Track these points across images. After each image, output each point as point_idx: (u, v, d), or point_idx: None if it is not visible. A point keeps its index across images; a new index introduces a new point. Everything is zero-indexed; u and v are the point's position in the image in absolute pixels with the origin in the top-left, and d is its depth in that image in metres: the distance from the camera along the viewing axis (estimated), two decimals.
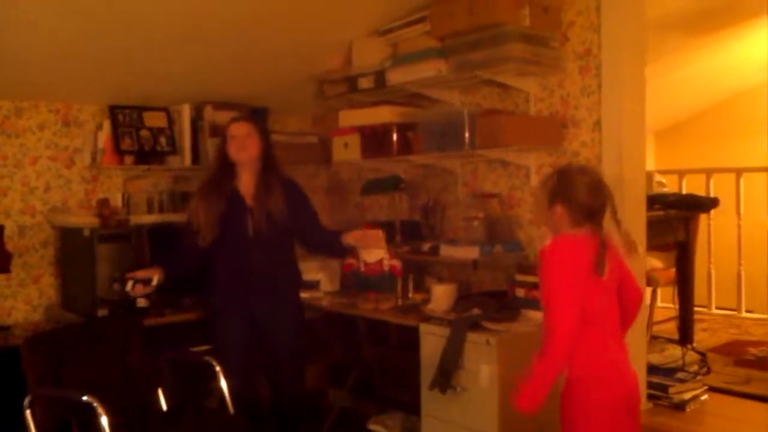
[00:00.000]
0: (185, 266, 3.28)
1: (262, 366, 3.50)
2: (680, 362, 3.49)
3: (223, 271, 3.27)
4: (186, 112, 3.97)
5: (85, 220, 3.56)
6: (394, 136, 3.76)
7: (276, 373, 3.46)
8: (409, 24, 3.63)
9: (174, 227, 3.76)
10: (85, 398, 2.58)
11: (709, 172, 5.60)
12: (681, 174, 5.75)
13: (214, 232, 3.19)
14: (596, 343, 2.22)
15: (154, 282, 3.15)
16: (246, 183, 3.28)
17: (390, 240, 3.70)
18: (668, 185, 5.13)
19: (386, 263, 3.46)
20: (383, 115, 3.82)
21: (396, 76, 3.72)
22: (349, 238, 3.32)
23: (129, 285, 3.14)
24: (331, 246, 3.42)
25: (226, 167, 3.27)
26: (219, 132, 4.03)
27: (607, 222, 2.30)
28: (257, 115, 4.04)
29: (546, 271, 2.22)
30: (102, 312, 3.43)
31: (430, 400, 3.03)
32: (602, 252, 2.22)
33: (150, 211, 3.97)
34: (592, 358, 2.22)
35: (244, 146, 3.24)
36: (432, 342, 3.03)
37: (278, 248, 3.29)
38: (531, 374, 2.19)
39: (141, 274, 3.16)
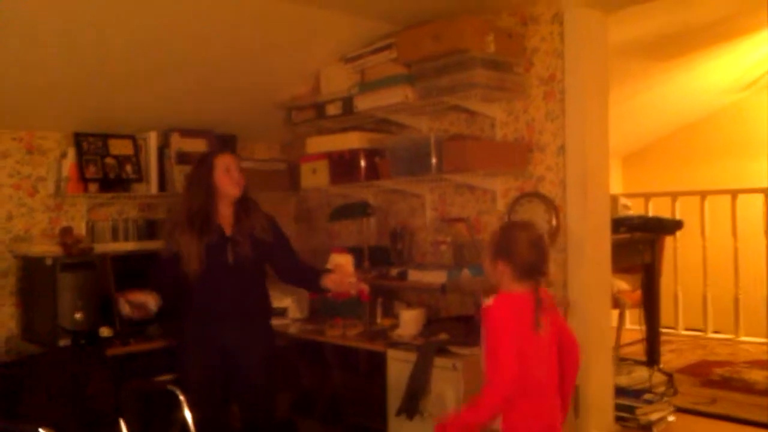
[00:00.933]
0: (174, 294, 3.20)
1: (232, 395, 3.45)
2: (647, 384, 3.52)
3: (199, 299, 3.21)
4: (153, 140, 3.93)
5: (47, 248, 3.50)
6: (362, 162, 3.78)
7: (246, 403, 3.42)
8: (376, 51, 3.66)
9: (143, 255, 3.72)
10: (40, 431, 2.52)
11: (674, 195, 5.69)
12: (647, 197, 5.83)
13: (201, 262, 3.14)
14: (531, 407, 2.26)
15: (154, 308, 3.09)
16: (224, 213, 3.25)
17: (358, 265, 3.70)
18: (634, 208, 5.20)
19: (354, 287, 3.44)
20: (351, 141, 3.83)
21: (363, 103, 3.73)
22: (328, 282, 3.25)
23: (126, 308, 3.06)
24: (308, 283, 3.38)
25: (209, 197, 3.20)
26: (186, 159, 4.02)
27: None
28: (226, 143, 4.03)
29: (490, 325, 2.27)
30: (64, 342, 3.36)
31: (397, 425, 3.01)
32: (538, 307, 2.27)
33: (115, 239, 3.93)
34: (525, 421, 2.25)
35: (240, 180, 3.22)
36: (399, 368, 3.02)
37: (254, 277, 3.26)
38: (467, 406, 2.26)
39: (134, 296, 3.07)
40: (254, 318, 3.30)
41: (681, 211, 5.61)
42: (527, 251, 2.30)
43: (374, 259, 3.86)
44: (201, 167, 3.23)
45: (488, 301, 2.31)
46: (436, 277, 3.38)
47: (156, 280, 3.23)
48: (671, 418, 3.40)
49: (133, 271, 3.68)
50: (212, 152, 3.30)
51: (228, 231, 3.21)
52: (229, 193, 3.19)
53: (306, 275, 3.35)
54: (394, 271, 3.64)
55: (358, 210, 3.94)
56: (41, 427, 2.53)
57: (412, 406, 2.89)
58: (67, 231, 3.60)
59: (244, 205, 3.24)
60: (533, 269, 2.29)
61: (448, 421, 2.24)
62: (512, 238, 2.34)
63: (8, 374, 2.87)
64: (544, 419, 2.31)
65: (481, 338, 2.32)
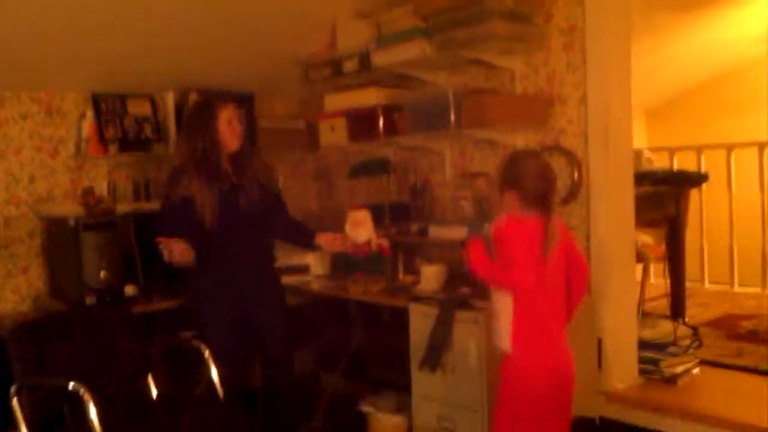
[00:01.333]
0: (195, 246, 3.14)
1: (251, 351, 3.48)
2: (672, 337, 3.48)
3: (216, 249, 3.20)
4: (170, 99, 3.93)
5: (69, 209, 3.54)
6: (381, 119, 3.75)
7: (266, 358, 3.46)
8: (392, 4, 3.60)
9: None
10: (71, 385, 2.57)
11: (699, 149, 5.58)
12: (671, 151, 5.73)
13: (215, 212, 3.12)
14: (536, 324, 2.31)
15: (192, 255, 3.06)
16: (225, 161, 3.24)
17: (379, 222, 3.68)
18: (658, 163, 5.11)
19: (374, 243, 3.44)
20: (369, 97, 3.80)
21: (381, 58, 3.69)
22: (321, 240, 3.32)
23: (166, 254, 3.01)
24: (301, 239, 3.42)
25: (215, 144, 3.16)
26: None
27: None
28: (243, 101, 4.00)
29: (505, 240, 2.30)
30: (90, 300, 3.42)
31: (420, 379, 3.03)
32: (549, 235, 2.28)
33: (136, 199, 3.95)
34: (531, 337, 2.30)
35: (240, 134, 3.20)
36: (421, 322, 3.02)
37: (263, 226, 3.28)
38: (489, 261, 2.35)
39: (175, 246, 3.01)
40: (266, 268, 3.33)
41: (707, 164, 5.50)
42: (535, 180, 2.30)
43: (395, 215, 3.85)
44: (204, 115, 3.19)
45: (499, 222, 2.34)
46: (457, 233, 3.36)
47: (169, 227, 3.12)
48: (696, 371, 3.38)
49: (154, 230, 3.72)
50: (215, 102, 3.23)
51: (234, 179, 3.21)
52: (230, 145, 3.18)
53: (299, 231, 3.38)
54: (414, 228, 3.63)
55: (378, 167, 3.92)
56: (72, 380, 2.59)
57: (434, 359, 2.91)
58: (88, 191, 3.63)
59: (243, 155, 3.24)
60: (541, 198, 2.29)
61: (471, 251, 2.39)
62: (520, 167, 2.34)
63: (36, 331, 2.92)
64: (551, 346, 2.34)
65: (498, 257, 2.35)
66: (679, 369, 3.30)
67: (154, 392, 3.16)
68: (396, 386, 3.40)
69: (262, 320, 3.29)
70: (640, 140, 6.12)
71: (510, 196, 2.32)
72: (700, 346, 3.65)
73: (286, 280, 3.75)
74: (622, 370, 3.22)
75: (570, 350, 2.42)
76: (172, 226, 3.14)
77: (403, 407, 3.18)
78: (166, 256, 3.03)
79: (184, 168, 3.18)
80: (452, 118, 3.32)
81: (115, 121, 3.77)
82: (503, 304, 2.36)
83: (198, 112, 3.25)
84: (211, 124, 3.15)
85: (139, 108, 3.89)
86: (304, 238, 3.39)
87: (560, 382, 2.36)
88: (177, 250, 3.02)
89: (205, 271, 3.21)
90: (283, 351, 3.39)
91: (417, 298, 3.16)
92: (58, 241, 3.62)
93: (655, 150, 5.46)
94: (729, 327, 4.40)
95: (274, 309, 3.29)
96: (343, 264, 3.68)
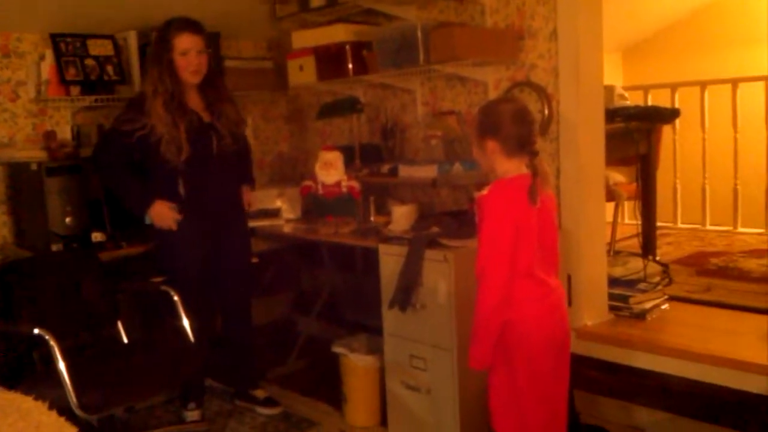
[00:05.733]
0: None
1: (217, 298, 3.46)
2: (642, 274, 3.51)
3: (187, 192, 3.14)
4: (133, 39, 3.80)
5: (31, 153, 3.46)
6: (349, 56, 3.66)
7: (225, 305, 3.44)
8: None
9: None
10: (36, 331, 2.54)
11: (674, 87, 5.55)
12: (645, 89, 5.69)
13: (181, 149, 3.00)
14: (534, 288, 2.25)
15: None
16: (194, 98, 3.13)
17: (350, 163, 3.64)
18: (633, 101, 5.08)
19: (344, 185, 3.40)
20: (337, 33, 3.71)
21: None
22: (244, 193, 3.37)
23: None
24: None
25: (174, 77, 3.01)
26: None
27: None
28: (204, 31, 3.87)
29: (486, 215, 2.22)
30: (56, 247, 3.35)
31: (391, 319, 3.02)
32: (534, 181, 2.21)
33: None
34: (527, 299, 2.24)
35: (199, 68, 3.06)
36: (391, 262, 3.00)
37: (234, 166, 3.22)
38: (472, 332, 2.25)
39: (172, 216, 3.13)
40: (236, 209, 3.32)
41: (681, 102, 5.47)
42: (512, 123, 2.23)
43: (365, 156, 3.80)
44: (160, 46, 3.04)
45: (483, 191, 2.27)
46: (427, 172, 3.33)
47: (109, 155, 3.10)
48: (665, 307, 3.41)
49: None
50: (171, 31, 3.04)
51: (205, 117, 3.12)
52: (186, 80, 3.04)
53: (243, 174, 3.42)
54: (385, 168, 3.59)
55: (347, 106, 3.84)
56: (37, 327, 2.56)
57: (404, 298, 2.89)
58: (50, 135, 3.54)
59: (214, 92, 3.11)
60: (522, 141, 2.23)
61: (469, 353, 2.27)
62: (495, 113, 2.28)
63: (1, 278, 2.87)
64: (550, 298, 2.30)
65: (477, 229, 2.28)
66: (649, 305, 3.33)
67: (125, 338, 3.15)
68: (370, 329, 3.41)
69: (228, 260, 3.27)
70: (616, 79, 6.08)
71: (491, 145, 2.24)
72: (670, 282, 3.69)
73: (257, 224, 3.72)
74: (592, 307, 3.24)
75: (564, 294, 2.40)
76: (113, 155, 3.08)
77: (376, 348, 3.18)
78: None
79: (142, 99, 3.05)
80: (421, 53, 3.24)
81: (76, 62, 3.64)
82: None
83: (156, 43, 3.12)
84: (165, 55, 3.02)
85: (100, 49, 3.75)
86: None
87: (562, 337, 2.33)
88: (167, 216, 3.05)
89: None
90: (244, 299, 3.39)
91: (387, 239, 3.13)
92: (22, 187, 3.54)
93: (628, 89, 5.41)
94: (699, 264, 4.44)
95: (240, 251, 3.27)
96: (314, 207, 3.64)
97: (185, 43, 3.02)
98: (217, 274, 3.28)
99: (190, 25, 3.08)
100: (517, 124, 2.23)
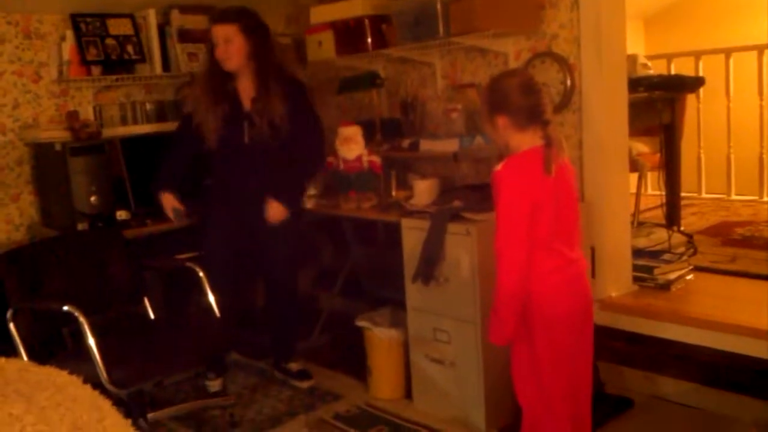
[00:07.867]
0: (184, 174, 3.28)
1: (256, 272, 3.49)
2: (666, 244, 3.48)
3: (218, 177, 3.23)
4: (152, 18, 3.82)
5: (55, 134, 3.49)
6: (368, 30, 3.64)
7: (271, 279, 3.48)
8: None
9: (153, 137, 3.71)
10: (65, 308, 2.58)
11: (697, 54, 5.46)
12: (669, 58, 5.60)
13: (217, 136, 3.13)
14: (548, 256, 2.22)
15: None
16: (245, 86, 3.18)
17: (371, 139, 3.64)
18: (656, 70, 5.01)
19: (365, 159, 3.40)
20: (355, 8, 3.68)
21: None
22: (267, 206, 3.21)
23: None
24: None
25: (220, 69, 3.14)
26: (188, 37, 3.92)
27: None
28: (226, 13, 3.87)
29: (500, 191, 2.20)
30: (82, 226, 3.40)
31: (414, 292, 3.04)
32: (548, 152, 2.18)
33: (123, 122, 3.88)
34: (545, 271, 2.22)
35: (227, 55, 3.10)
36: (414, 236, 3.01)
37: (275, 157, 3.19)
38: (492, 309, 2.24)
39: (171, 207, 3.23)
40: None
41: (705, 71, 5.39)
42: (520, 96, 2.21)
43: (386, 131, 3.79)
44: (208, 36, 3.20)
45: (497, 167, 2.25)
46: (448, 146, 3.32)
47: (172, 162, 3.24)
48: (690, 277, 3.39)
49: (144, 154, 3.68)
50: (211, 21, 3.19)
51: (247, 105, 3.15)
52: (224, 65, 3.12)
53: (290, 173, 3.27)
54: (405, 143, 3.58)
55: (367, 81, 3.83)
56: (67, 304, 2.60)
57: (427, 272, 2.90)
58: (73, 115, 3.57)
59: (264, 79, 3.12)
60: (533, 113, 2.21)
61: (489, 328, 2.28)
62: (501, 88, 2.26)
63: (29, 256, 2.92)
64: (569, 270, 2.27)
65: (494, 205, 2.28)
66: (673, 275, 3.31)
67: (152, 315, 3.19)
68: (393, 303, 3.43)
69: (268, 246, 3.30)
70: (638, 48, 5.99)
71: (502, 121, 2.22)
72: (694, 253, 3.66)
73: None
74: (616, 278, 3.23)
75: (585, 266, 2.38)
76: (175, 133, 3.27)
77: (399, 322, 3.20)
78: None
79: (192, 83, 3.27)
80: (441, 26, 3.22)
81: (96, 41, 3.67)
82: None
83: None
84: (208, 44, 3.20)
85: (120, 28, 3.77)
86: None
87: (584, 309, 2.31)
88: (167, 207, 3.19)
89: (209, 197, 3.22)
90: (287, 272, 3.41)
91: (409, 213, 3.13)
92: (47, 167, 3.58)
93: (651, 58, 5.34)
94: (724, 234, 4.40)
95: (280, 237, 3.28)
96: (336, 182, 3.64)
97: (214, 34, 3.12)
98: (257, 250, 3.31)
99: (221, 15, 3.16)
100: (524, 96, 2.21)
